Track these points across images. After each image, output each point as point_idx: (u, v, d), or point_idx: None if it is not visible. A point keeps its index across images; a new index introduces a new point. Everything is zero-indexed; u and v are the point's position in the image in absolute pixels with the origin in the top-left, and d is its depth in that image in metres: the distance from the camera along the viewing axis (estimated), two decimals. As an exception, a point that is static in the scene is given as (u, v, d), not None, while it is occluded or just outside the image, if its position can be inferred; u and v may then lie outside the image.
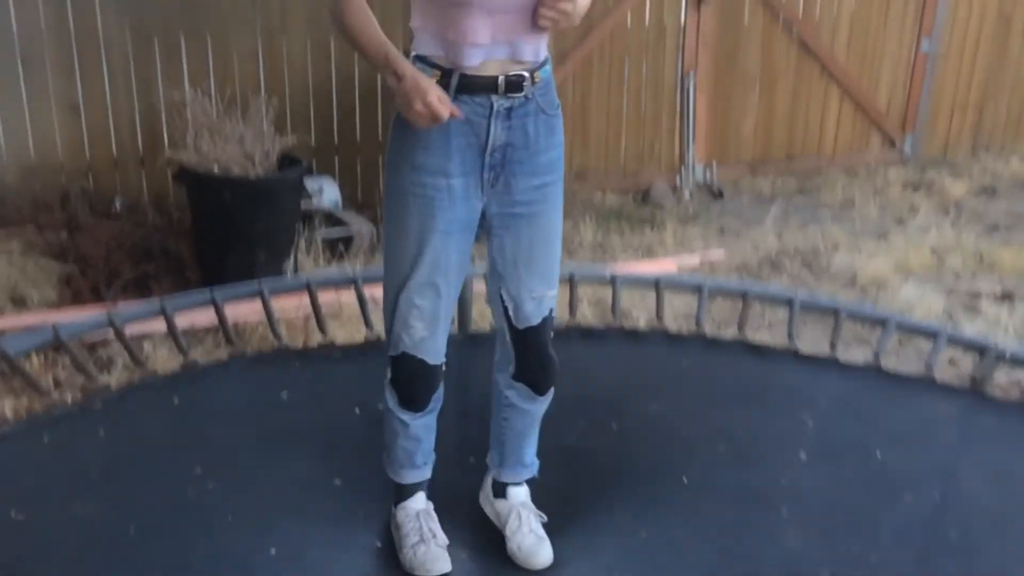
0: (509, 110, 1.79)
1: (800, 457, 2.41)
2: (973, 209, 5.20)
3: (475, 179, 1.82)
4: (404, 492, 2.12)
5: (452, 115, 1.68)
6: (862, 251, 4.45)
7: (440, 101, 1.66)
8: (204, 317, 3.00)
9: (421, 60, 1.77)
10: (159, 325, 2.87)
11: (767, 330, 3.49)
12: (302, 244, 3.79)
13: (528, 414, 2.10)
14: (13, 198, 3.99)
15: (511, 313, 1.94)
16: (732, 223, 4.96)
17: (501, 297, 1.94)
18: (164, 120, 4.10)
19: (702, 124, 5.40)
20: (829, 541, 2.10)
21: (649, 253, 4.49)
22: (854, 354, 3.26)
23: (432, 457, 2.11)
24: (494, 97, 1.77)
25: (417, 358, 1.91)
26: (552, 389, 2.07)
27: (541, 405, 2.09)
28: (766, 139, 5.64)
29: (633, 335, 3.26)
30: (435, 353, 1.93)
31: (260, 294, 2.67)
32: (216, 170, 3.47)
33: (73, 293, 3.43)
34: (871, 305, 3.76)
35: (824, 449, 2.48)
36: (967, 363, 3.13)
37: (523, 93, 1.79)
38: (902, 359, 3.26)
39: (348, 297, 3.11)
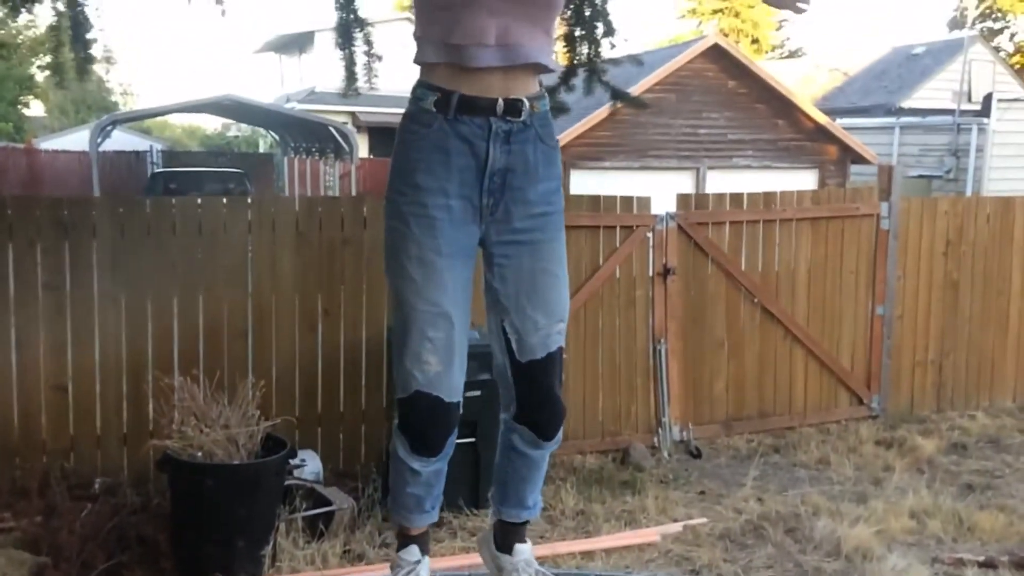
0: (508, 133, 1.80)
1: None
2: (946, 468, 5.28)
3: (474, 203, 1.80)
4: (406, 539, 1.99)
5: None
6: (843, 517, 4.45)
7: None
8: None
9: (423, 85, 1.80)
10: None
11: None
12: (282, 526, 3.75)
13: (531, 459, 1.96)
14: (-8, 482, 3.98)
15: (514, 346, 1.85)
16: (712, 485, 4.98)
17: (504, 330, 1.85)
18: (151, 405, 4.18)
19: (676, 386, 5.58)
20: None
21: (632, 520, 4.47)
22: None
23: (440, 500, 1.97)
24: (493, 119, 1.78)
25: (432, 395, 1.78)
26: (560, 434, 1.94)
27: (546, 450, 1.96)
28: (739, 399, 5.80)
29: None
30: (451, 390, 1.82)
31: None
32: (200, 456, 3.50)
33: (43, 586, 3.33)
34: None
35: None
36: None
37: (522, 118, 1.80)
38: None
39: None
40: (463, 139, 1.78)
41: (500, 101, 1.78)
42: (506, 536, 2.07)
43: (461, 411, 1.86)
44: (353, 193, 13.55)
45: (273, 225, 4.70)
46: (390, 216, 1.85)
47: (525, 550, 2.05)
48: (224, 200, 4.99)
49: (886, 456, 5.43)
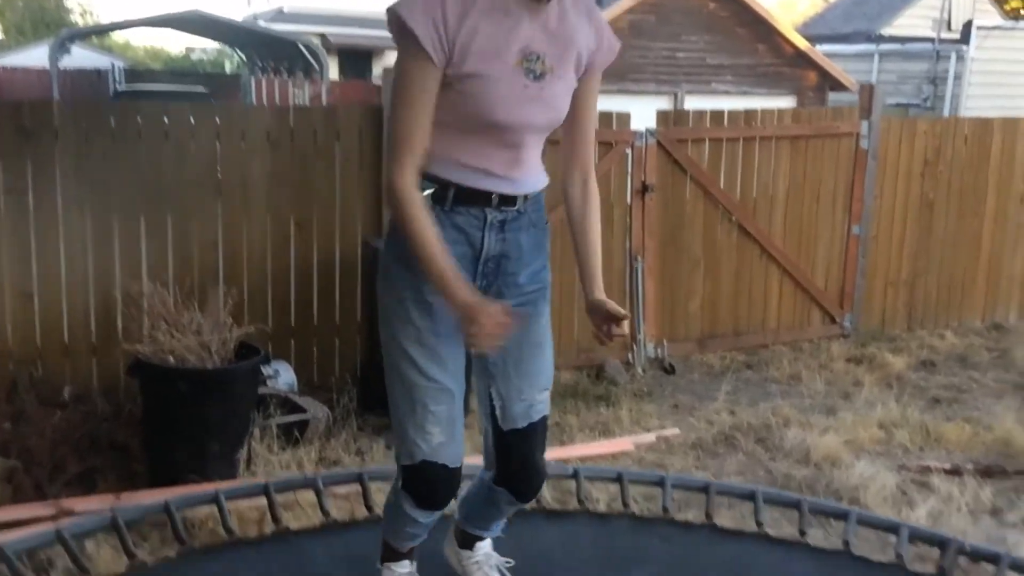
0: (503, 222, 1.86)
1: None
2: (914, 383, 5.37)
3: (468, 280, 1.85)
4: (396, 555, 2.11)
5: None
6: (813, 427, 4.53)
7: (496, 325, 1.66)
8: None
9: (426, 177, 1.82)
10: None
11: (727, 510, 3.47)
12: (257, 432, 3.73)
13: (504, 512, 2.11)
14: (-42, 388, 3.90)
15: (498, 412, 1.95)
16: (685, 399, 5.03)
17: (490, 395, 1.95)
18: (120, 311, 4.10)
19: (651, 304, 5.58)
20: None
21: (606, 431, 4.51)
22: (815, 534, 3.25)
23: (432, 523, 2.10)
24: (488, 209, 1.83)
25: (438, 464, 1.88)
26: (535, 495, 2.09)
27: (520, 507, 2.10)
28: (713, 317, 5.83)
29: (599, 518, 3.21)
30: (455, 457, 1.91)
31: (215, 500, 2.59)
32: (172, 362, 3.45)
33: (15, 489, 3.30)
34: (829, 493, 3.79)
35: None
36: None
37: (516, 207, 1.86)
38: (862, 536, 3.26)
39: (309, 496, 3.03)
40: (459, 229, 1.83)
41: (496, 194, 1.84)
42: (468, 536, 2.24)
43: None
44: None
45: (243, 135, 4.56)
46: (387, 293, 1.91)
47: (485, 544, 2.22)
48: (190, 107, 4.83)
49: (856, 372, 5.50)
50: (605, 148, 5.36)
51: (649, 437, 4.40)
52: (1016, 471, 4.15)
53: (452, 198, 1.82)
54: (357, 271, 4.82)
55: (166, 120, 4.45)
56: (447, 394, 1.87)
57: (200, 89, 15.42)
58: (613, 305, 1.87)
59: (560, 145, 2.01)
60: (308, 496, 3.02)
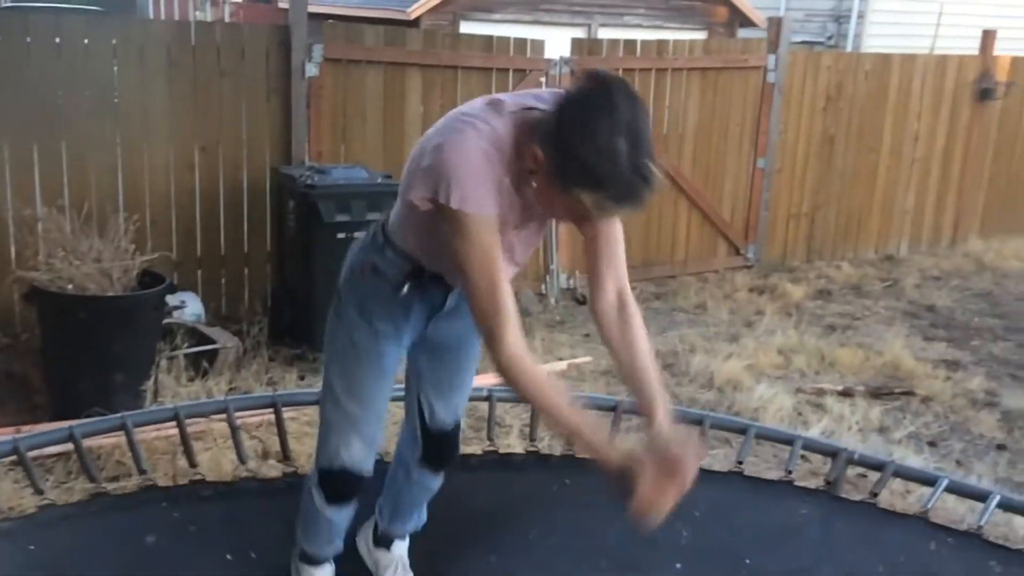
0: None
1: (676, 567, 2.47)
2: (812, 311, 5.62)
3: (420, 330, 1.98)
4: (314, 560, 2.19)
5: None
6: (717, 354, 4.70)
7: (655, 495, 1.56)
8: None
9: (393, 248, 1.86)
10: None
11: (633, 433, 3.60)
12: (164, 362, 3.65)
13: (426, 489, 2.23)
14: None
15: (426, 416, 2.09)
16: (596, 328, 5.13)
17: (419, 400, 2.08)
18: (12, 236, 3.89)
19: (564, 234, 5.64)
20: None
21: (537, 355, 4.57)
22: (716, 455, 3.41)
23: (345, 531, 2.19)
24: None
25: (355, 473, 2.00)
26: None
27: (440, 480, 2.22)
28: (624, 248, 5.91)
29: (507, 458, 3.26)
30: (371, 464, 2.04)
31: (123, 427, 2.53)
32: (71, 289, 3.31)
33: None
34: (731, 415, 3.96)
35: (698, 556, 2.55)
36: (819, 461, 3.34)
37: None
38: (761, 456, 3.44)
39: (220, 424, 2.99)
40: (426, 300, 1.91)
41: None
42: (386, 535, 2.31)
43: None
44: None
45: (141, 52, 4.33)
46: (339, 331, 1.95)
47: (402, 547, 2.32)
48: (83, 20, 4.54)
49: (758, 301, 5.71)
50: (519, 75, 5.32)
51: (561, 365, 4.49)
52: (903, 391, 4.42)
53: (427, 279, 1.89)
54: (266, 199, 4.69)
55: (57, 39, 4.17)
56: (376, 416, 1.99)
57: (95, 7, 14.48)
58: (682, 446, 1.60)
59: (585, 255, 1.87)
60: (220, 427, 2.98)
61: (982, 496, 2.34)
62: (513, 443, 3.39)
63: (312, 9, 4.79)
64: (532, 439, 2.97)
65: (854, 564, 2.50)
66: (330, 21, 5.31)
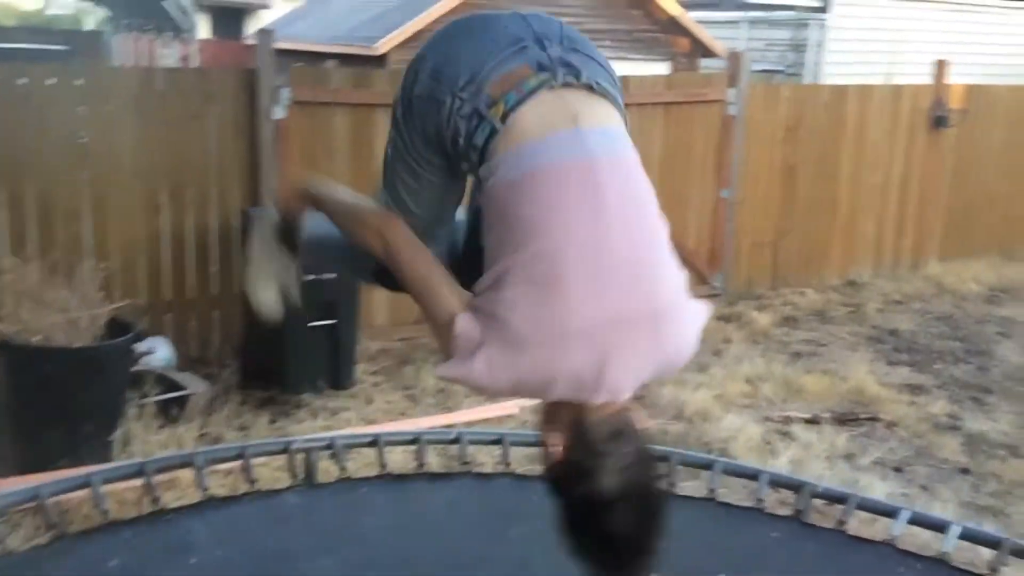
0: None
1: None
2: (778, 339, 5.71)
3: None
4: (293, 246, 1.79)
5: None
6: (686, 384, 4.76)
7: None
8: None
9: None
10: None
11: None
12: (133, 410, 3.63)
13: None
14: None
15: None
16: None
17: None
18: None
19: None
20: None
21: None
22: (690, 487, 3.45)
23: None
24: None
25: None
26: None
27: None
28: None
29: (483, 478, 3.28)
30: None
31: (89, 485, 2.51)
32: (37, 341, 3.30)
33: None
34: (701, 446, 4.01)
35: (673, 573, 2.57)
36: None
37: None
38: (732, 488, 3.49)
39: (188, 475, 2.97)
40: None
41: None
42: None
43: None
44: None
45: (108, 98, 4.35)
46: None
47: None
48: (51, 67, 4.55)
49: (726, 329, 5.80)
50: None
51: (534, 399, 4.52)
52: (868, 417, 4.51)
53: None
54: (235, 241, 4.71)
55: (25, 80, 4.18)
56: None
57: (61, 47, 14.46)
58: None
59: None
60: (188, 475, 2.97)
61: (942, 527, 2.40)
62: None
63: (280, 45, 4.85)
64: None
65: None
66: (298, 65, 5.38)
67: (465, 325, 1.37)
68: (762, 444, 4.12)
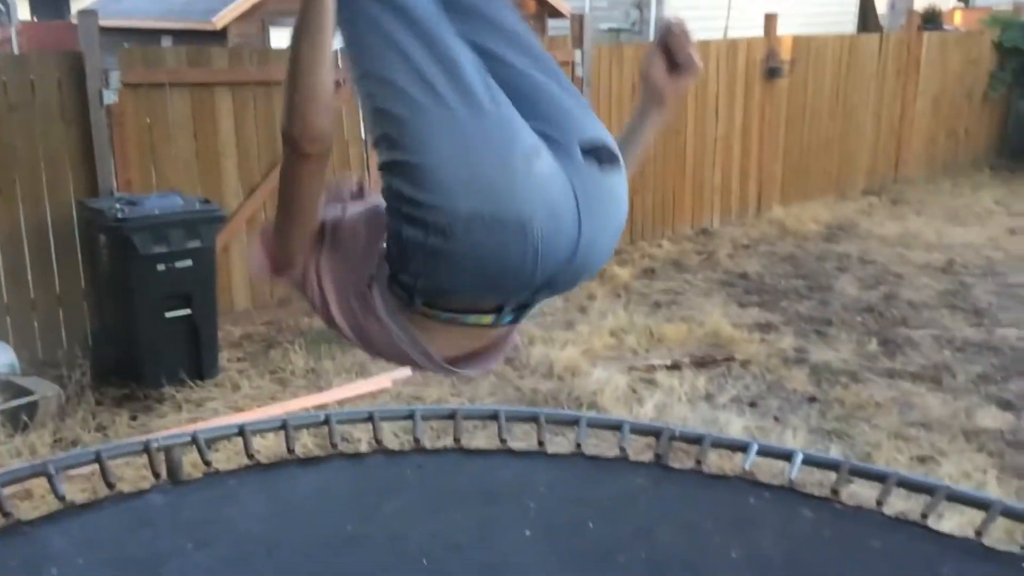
0: None
1: (526, 534, 2.57)
2: (639, 291, 5.93)
3: None
4: None
5: None
6: (555, 342, 4.88)
7: None
8: None
9: None
10: None
11: (481, 432, 3.70)
12: (-25, 424, 3.42)
13: None
14: None
15: None
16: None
17: None
18: None
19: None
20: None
21: (363, 371, 4.58)
22: (559, 442, 3.56)
23: None
24: None
25: None
26: None
27: None
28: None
29: (354, 458, 3.28)
30: None
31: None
32: None
33: None
34: (572, 400, 4.13)
35: (545, 527, 2.67)
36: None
37: None
38: (601, 438, 3.62)
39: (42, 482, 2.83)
40: None
41: None
42: None
43: None
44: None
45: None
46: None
47: None
48: None
49: (589, 286, 5.94)
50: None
51: (405, 371, 4.52)
52: (724, 358, 4.76)
53: None
54: (75, 235, 4.46)
55: None
56: None
57: None
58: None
59: None
60: (43, 484, 2.83)
61: (788, 455, 2.58)
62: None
63: (107, 23, 4.59)
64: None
65: (684, 522, 2.70)
66: (127, 46, 5.09)
67: None
68: (629, 393, 4.29)
